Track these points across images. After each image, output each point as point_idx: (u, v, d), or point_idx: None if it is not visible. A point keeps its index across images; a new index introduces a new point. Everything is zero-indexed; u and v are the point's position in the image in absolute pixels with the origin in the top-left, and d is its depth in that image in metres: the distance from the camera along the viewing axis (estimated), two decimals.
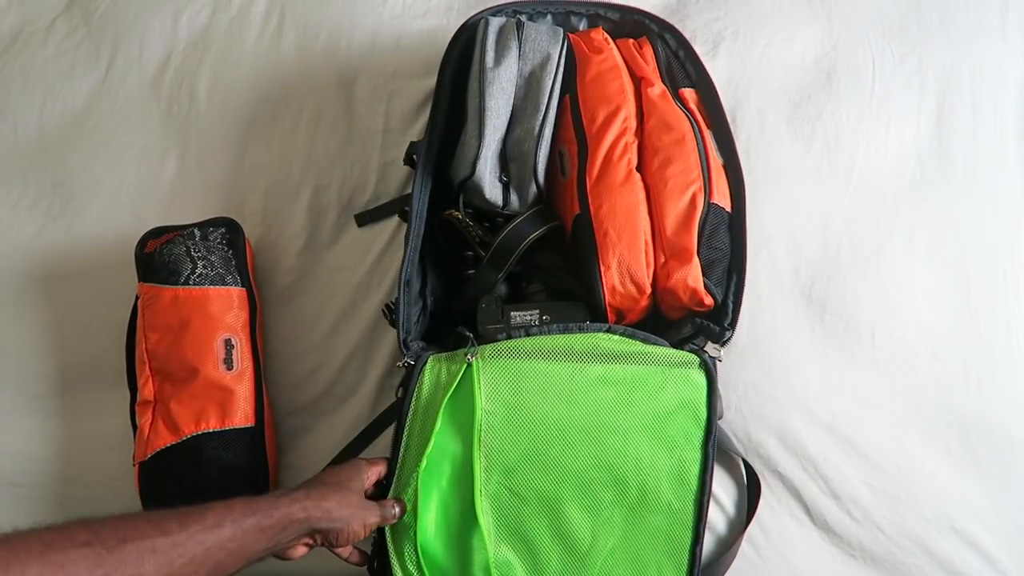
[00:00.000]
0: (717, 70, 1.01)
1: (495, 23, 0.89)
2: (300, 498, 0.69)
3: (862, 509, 0.88)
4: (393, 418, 0.87)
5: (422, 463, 0.76)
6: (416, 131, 1.03)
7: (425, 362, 0.81)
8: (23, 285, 1.04)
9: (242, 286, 0.92)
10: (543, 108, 0.86)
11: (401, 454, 0.79)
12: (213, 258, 0.91)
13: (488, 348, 0.80)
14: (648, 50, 0.93)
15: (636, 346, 0.81)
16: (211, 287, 0.89)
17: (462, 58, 0.90)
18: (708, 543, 0.88)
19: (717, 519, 0.89)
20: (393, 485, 0.78)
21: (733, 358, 0.90)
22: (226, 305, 0.90)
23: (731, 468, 0.90)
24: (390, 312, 0.87)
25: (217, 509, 0.64)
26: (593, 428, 0.78)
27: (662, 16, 0.97)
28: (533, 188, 0.88)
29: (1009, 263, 0.94)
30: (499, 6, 0.93)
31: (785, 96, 1.01)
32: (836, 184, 0.97)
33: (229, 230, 0.95)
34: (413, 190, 0.87)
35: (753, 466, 0.89)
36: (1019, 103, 1.00)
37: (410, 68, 1.06)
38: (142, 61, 1.12)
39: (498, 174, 0.87)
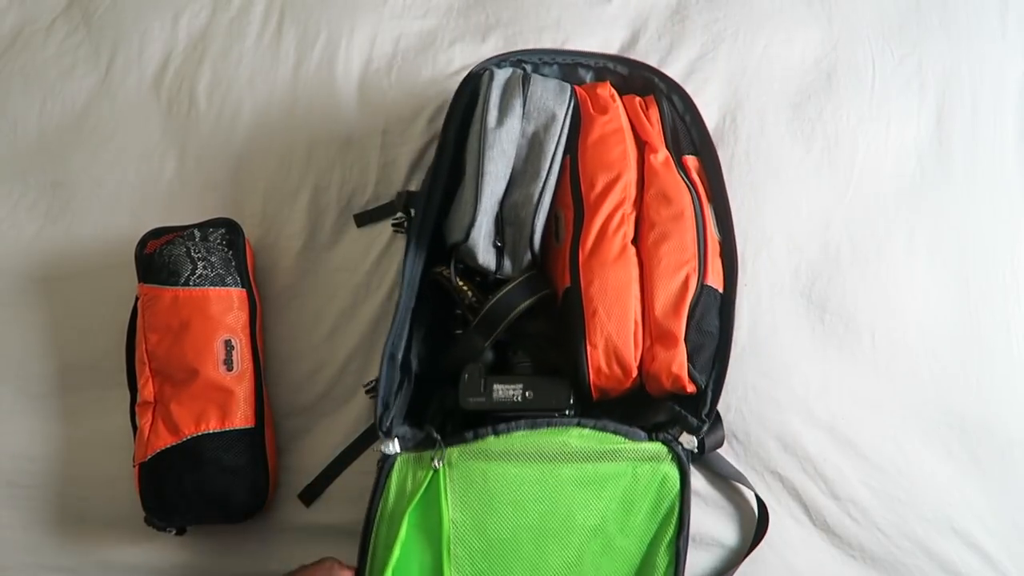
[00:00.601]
0: (717, 70, 1.02)
1: (500, 77, 0.85)
2: None
3: (862, 510, 0.88)
4: (371, 440, 0.86)
5: (388, 573, 0.74)
6: (415, 133, 1.02)
7: (392, 465, 0.79)
8: (23, 285, 1.04)
9: (242, 287, 0.92)
10: (544, 175, 0.82)
11: (368, 563, 0.77)
12: (213, 259, 0.91)
13: (456, 451, 0.77)
14: (654, 111, 0.89)
15: (607, 442, 0.78)
16: (211, 288, 0.89)
17: (467, 108, 0.87)
18: (716, 555, 0.88)
19: (726, 532, 0.88)
20: None
21: (733, 359, 0.89)
22: (226, 306, 0.90)
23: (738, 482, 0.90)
24: (370, 389, 0.85)
25: None
26: (565, 530, 0.76)
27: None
28: (528, 255, 0.84)
29: (1009, 263, 0.94)
30: (505, 55, 0.91)
31: (785, 96, 1.01)
32: (836, 184, 0.97)
33: (229, 231, 0.95)
34: (406, 259, 0.85)
35: (753, 466, 0.89)
36: (1019, 103, 1.00)
37: (410, 68, 1.06)
38: (142, 61, 1.12)
39: (492, 239, 0.84)
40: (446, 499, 0.76)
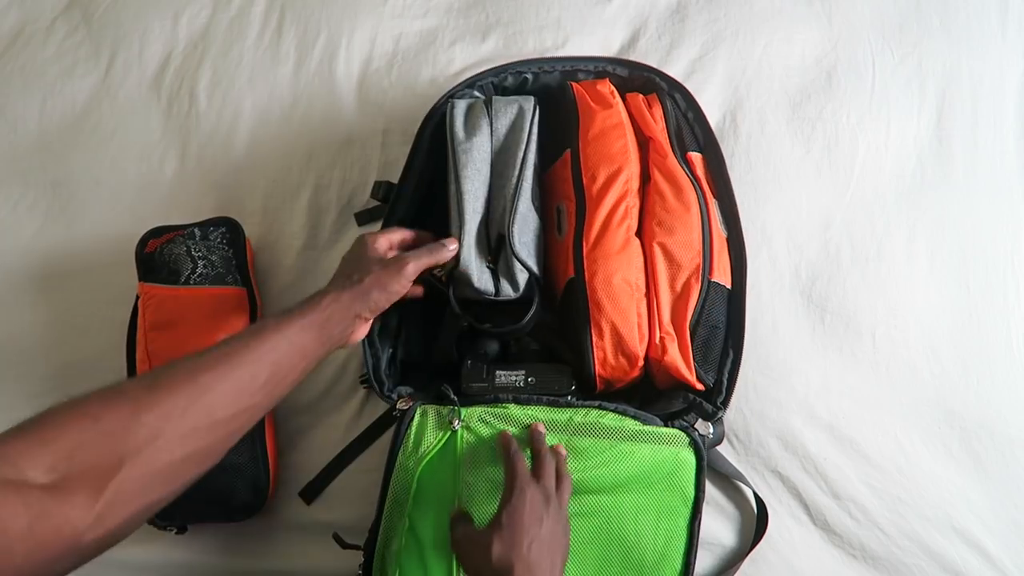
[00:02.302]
0: (717, 70, 1.02)
1: (461, 105, 0.85)
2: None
3: (862, 509, 0.88)
4: (388, 424, 0.86)
5: (405, 522, 0.75)
6: (416, 132, 1.02)
7: (413, 416, 0.79)
8: (23, 285, 1.04)
9: (242, 286, 0.92)
10: (514, 179, 0.81)
11: (385, 516, 0.78)
12: (213, 258, 0.91)
13: (476, 413, 0.78)
14: (658, 109, 0.89)
15: (627, 424, 0.79)
16: (211, 287, 0.89)
17: (435, 137, 0.87)
18: (716, 554, 0.88)
19: (726, 531, 0.89)
20: (379, 537, 0.78)
21: None
22: (226, 305, 0.90)
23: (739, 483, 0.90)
24: (363, 380, 0.86)
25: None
26: (576, 503, 0.76)
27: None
28: (524, 274, 0.82)
29: (1009, 263, 0.94)
30: (504, 66, 0.91)
31: (785, 96, 1.01)
32: (836, 184, 0.97)
33: (229, 230, 0.95)
34: None
35: (753, 465, 0.89)
36: (1019, 103, 1.00)
37: (410, 68, 1.06)
38: (142, 61, 1.12)
39: (485, 261, 0.82)
40: (461, 459, 0.76)
